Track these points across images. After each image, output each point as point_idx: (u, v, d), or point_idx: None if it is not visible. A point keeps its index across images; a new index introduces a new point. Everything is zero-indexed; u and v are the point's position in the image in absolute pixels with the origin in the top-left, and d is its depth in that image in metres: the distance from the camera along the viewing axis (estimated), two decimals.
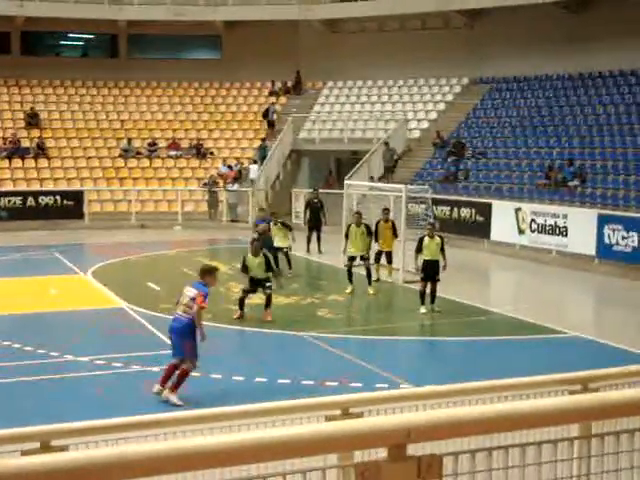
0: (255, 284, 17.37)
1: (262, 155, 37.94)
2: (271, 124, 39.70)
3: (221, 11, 41.07)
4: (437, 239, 18.06)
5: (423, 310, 17.94)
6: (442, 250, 17.94)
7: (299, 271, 23.72)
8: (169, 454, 2.38)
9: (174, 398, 11.75)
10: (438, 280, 17.90)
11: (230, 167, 37.45)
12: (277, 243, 22.63)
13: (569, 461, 3.32)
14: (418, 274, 18.46)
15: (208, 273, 12.51)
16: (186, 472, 2.43)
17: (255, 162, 38.12)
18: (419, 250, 18.14)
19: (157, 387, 12.08)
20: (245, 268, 17.29)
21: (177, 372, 12.02)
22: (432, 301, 17.95)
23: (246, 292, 17.41)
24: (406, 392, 7.53)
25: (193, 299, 12.10)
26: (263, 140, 38.85)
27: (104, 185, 36.66)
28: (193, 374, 12.25)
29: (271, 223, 23.06)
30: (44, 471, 2.27)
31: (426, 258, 17.97)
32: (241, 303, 17.29)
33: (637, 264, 22.89)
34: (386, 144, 34.73)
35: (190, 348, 12.09)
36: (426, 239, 18.05)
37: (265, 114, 40.29)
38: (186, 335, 12.12)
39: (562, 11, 34.53)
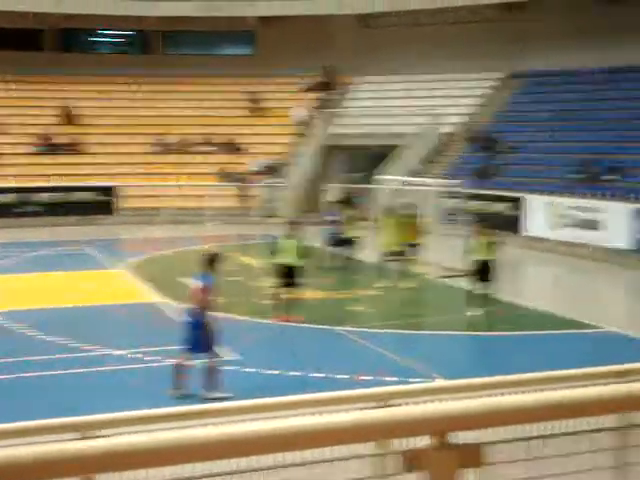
0: None
1: None
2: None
3: (260, 6, 41.08)
4: (484, 238, 17.72)
5: (471, 313, 17.39)
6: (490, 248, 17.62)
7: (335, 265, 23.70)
8: (214, 440, 2.39)
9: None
10: (487, 280, 17.54)
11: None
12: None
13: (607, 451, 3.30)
14: (464, 273, 18.14)
15: (208, 262, 12.12)
16: (235, 458, 2.44)
17: None
18: (468, 251, 17.75)
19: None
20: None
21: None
22: (483, 302, 17.48)
23: None
24: (444, 385, 7.52)
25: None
26: None
27: (137, 181, 36.89)
28: (228, 367, 12.30)
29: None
30: (86, 456, 2.31)
31: (476, 258, 17.60)
32: None
33: None
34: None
35: (202, 341, 11.81)
36: (472, 239, 17.77)
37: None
38: (195, 329, 11.88)
39: (598, 3, 34.20)
